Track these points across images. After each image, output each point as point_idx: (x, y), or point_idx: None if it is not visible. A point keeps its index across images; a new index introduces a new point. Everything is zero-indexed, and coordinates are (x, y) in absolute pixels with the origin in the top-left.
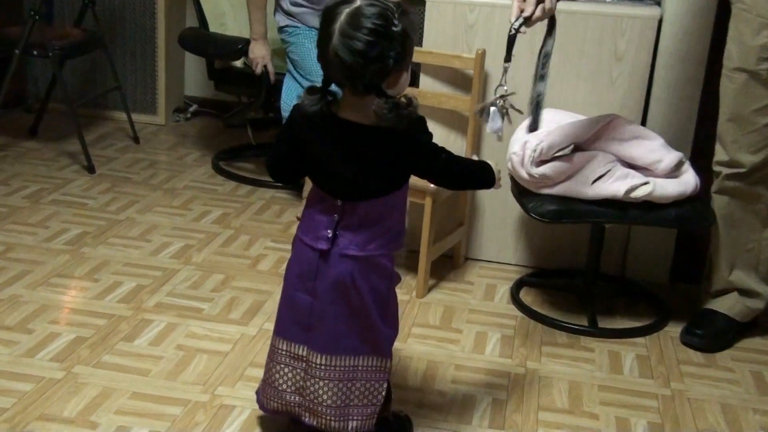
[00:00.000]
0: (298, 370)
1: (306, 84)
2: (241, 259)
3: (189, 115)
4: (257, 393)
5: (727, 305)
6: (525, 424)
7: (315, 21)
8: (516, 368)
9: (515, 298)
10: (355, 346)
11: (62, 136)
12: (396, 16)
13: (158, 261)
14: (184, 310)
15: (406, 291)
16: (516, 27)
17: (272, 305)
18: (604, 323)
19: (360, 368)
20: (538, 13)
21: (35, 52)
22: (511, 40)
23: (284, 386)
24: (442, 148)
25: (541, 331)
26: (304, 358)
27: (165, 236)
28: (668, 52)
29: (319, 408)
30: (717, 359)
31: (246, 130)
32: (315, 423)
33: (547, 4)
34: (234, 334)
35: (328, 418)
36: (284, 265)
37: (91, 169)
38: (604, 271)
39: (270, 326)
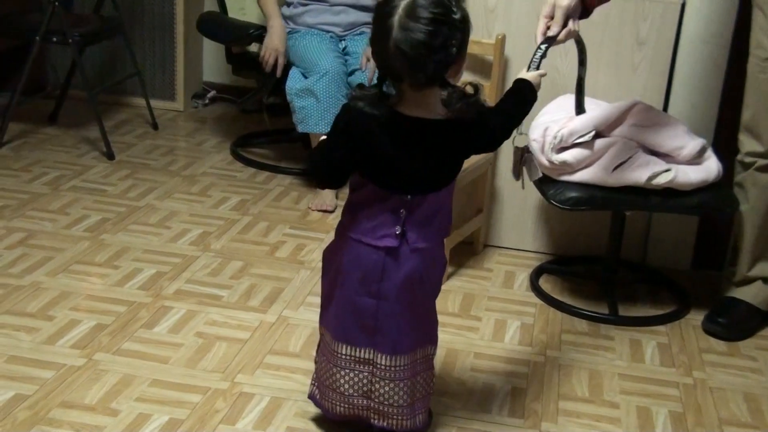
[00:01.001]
0: (365, 374)
1: (311, 77)
2: (259, 246)
3: (207, 101)
4: (313, 397)
5: (750, 294)
6: (545, 413)
7: (315, 18)
8: (535, 356)
9: (535, 286)
10: (417, 340)
11: (82, 122)
12: (454, 2)
13: (177, 248)
14: (204, 297)
15: None
16: (536, 68)
17: (291, 292)
18: (625, 311)
19: (419, 361)
20: (562, 36)
21: (55, 39)
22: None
23: (351, 390)
24: (496, 117)
25: (560, 319)
26: (370, 361)
27: (184, 223)
28: (691, 37)
29: (391, 409)
30: (740, 348)
31: (263, 115)
32: (385, 425)
33: (572, 26)
34: (253, 322)
35: (401, 418)
36: (303, 252)
37: (110, 155)
38: (625, 258)
39: (290, 313)
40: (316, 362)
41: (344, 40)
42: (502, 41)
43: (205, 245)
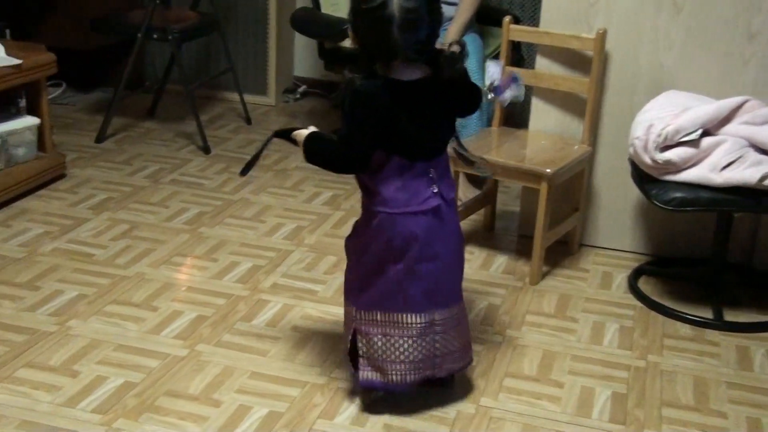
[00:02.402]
0: (429, 335)
1: None
2: None
3: (298, 96)
4: (369, 382)
5: None
6: (648, 420)
7: None
8: (636, 361)
9: (633, 287)
10: (460, 290)
11: (178, 116)
12: None
13: (272, 242)
14: (299, 292)
15: (519, 277)
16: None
17: None
18: (731, 316)
19: (462, 308)
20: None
21: (155, 36)
22: None
23: (420, 356)
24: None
25: (662, 323)
26: (432, 321)
27: (278, 217)
28: None
29: (451, 356)
30: None
31: None
32: (443, 374)
33: None
34: None
35: (459, 362)
36: None
37: (206, 149)
38: (730, 259)
39: None
40: (360, 349)
41: None
42: (603, 36)
43: (299, 240)
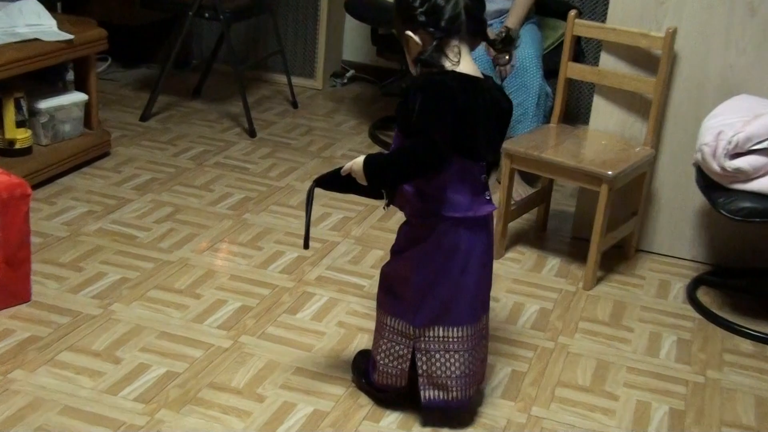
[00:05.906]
0: (480, 342)
1: None
2: None
3: (346, 80)
4: (431, 403)
5: None
6: None
7: None
8: (695, 376)
9: (692, 298)
10: None
11: (224, 97)
12: None
13: (318, 232)
14: (345, 286)
15: (572, 282)
16: None
17: None
18: None
19: None
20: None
21: (207, 15)
22: None
23: (476, 364)
24: None
25: (721, 337)
26: (483, 326)
27: (324, 207)
28: None
29: (484, 363)
30: None
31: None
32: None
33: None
34: None
35: (484, 370)
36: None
37: (252, 132)
38: None
39: None
40: (419, 368)
41: (490, 26)
42: (672, 35)
43: (345, 231)
